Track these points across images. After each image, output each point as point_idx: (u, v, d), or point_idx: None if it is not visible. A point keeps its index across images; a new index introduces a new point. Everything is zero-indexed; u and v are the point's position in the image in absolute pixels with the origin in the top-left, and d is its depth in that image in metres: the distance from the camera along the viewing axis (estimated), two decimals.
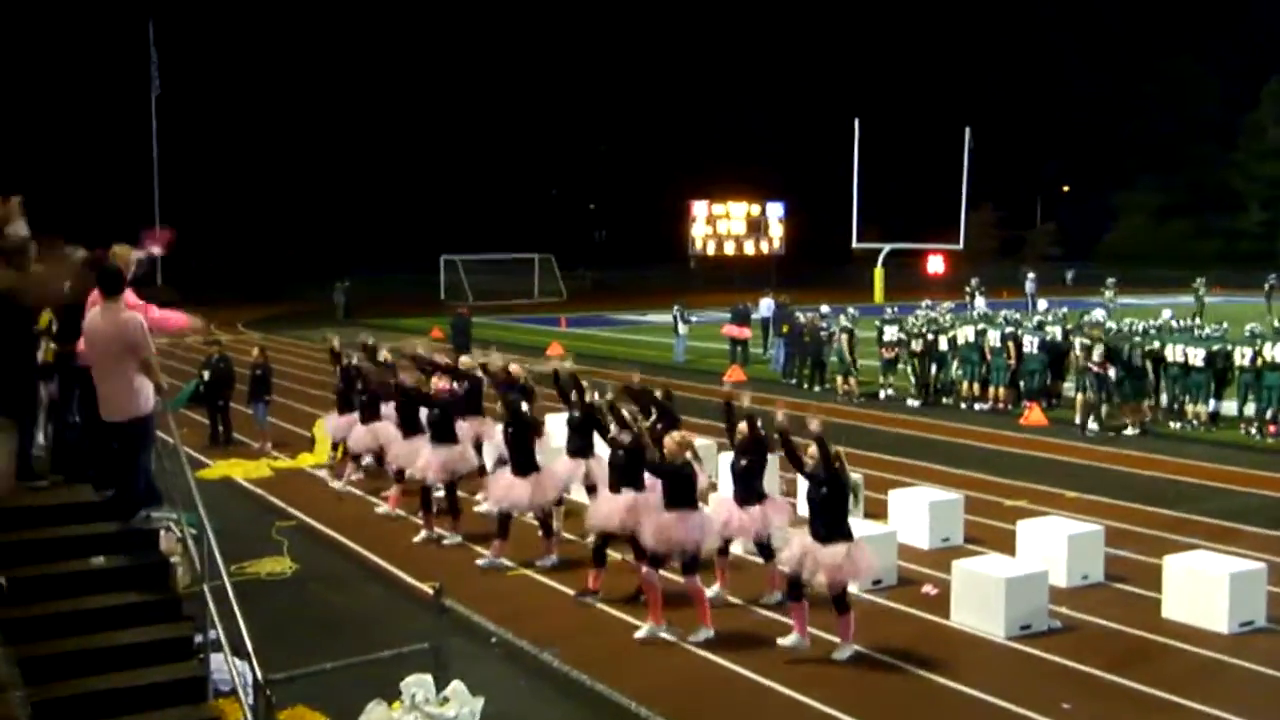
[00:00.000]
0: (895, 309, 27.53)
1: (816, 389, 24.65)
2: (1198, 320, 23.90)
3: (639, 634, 10.08)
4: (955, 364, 22.76)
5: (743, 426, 10.75)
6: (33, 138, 63.05)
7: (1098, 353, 19.54)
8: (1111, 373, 19.61)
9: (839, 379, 23.93)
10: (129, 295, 8.66)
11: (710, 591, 10.80)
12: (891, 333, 23.53)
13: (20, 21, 64.46)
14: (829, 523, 9.54)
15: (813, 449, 9.65)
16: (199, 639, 7.98)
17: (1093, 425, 19.64)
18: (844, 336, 23.45)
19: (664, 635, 10.02)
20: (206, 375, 19.13)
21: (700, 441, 13.51)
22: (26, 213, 9.73)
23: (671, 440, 10.29)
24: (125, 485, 8.51)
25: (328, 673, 7.53)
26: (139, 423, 8.45)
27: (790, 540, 9.80)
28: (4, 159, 54.37)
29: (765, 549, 10.96)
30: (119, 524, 8.42)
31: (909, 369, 23.62)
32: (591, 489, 12.61)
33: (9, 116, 60.71)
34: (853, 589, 10.30)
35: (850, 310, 25.04)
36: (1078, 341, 20.61)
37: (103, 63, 60.97)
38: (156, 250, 10.15)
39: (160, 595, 8.20)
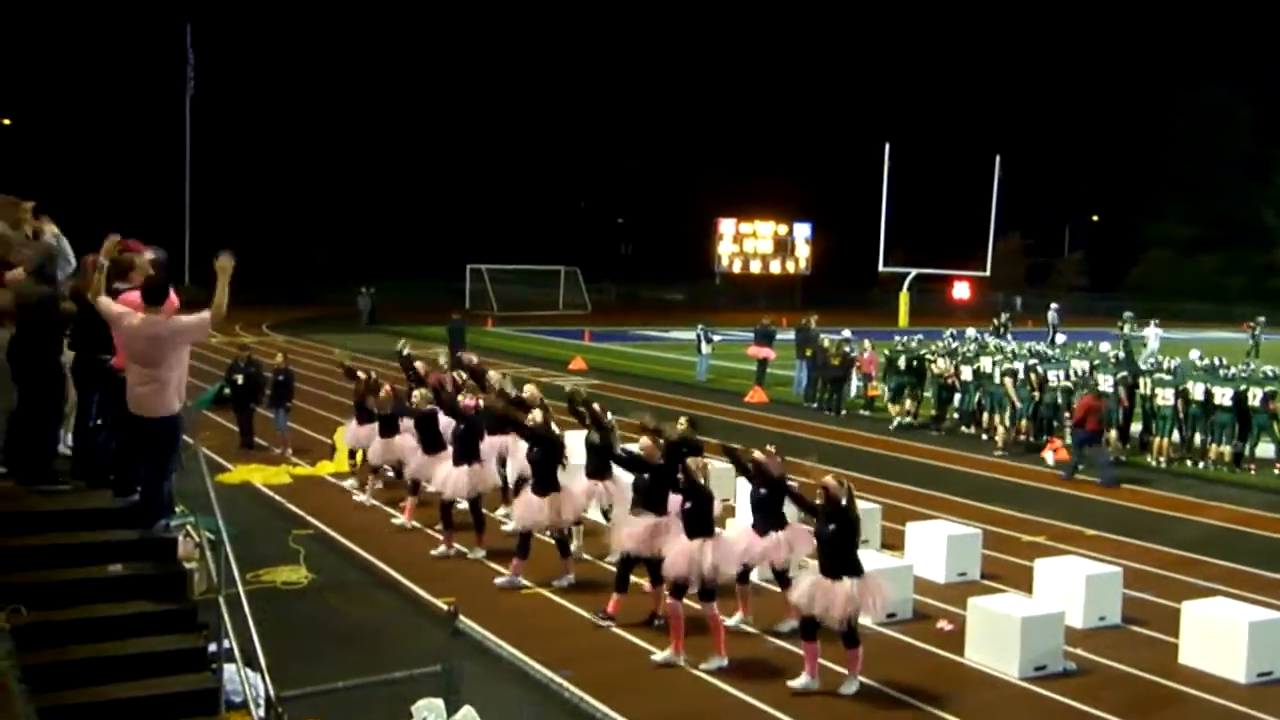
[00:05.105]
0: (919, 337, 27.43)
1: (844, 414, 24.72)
2: (1252, 360, 23.52)
3: (656, 658, 10.05)
4: (977, 394, 22.51)
5: (757, 454, 10.71)
6: (67, 135, 63.73)
7: None
8: None
9: (1001, 428, 21.21)
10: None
11: (732, 620, 10.76)
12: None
13: (59, 20, 65.13)
14: (838, 559, 9.47)
15: (824, 482, 9.62)
16: (213, 648, 8.00)
17: None
18: (1008, 380, 21.01)
19: (680, 663, 9.99)
20: (240, 380, 19.13)
21: (718, 466, 13.52)
22: (41, 217, 9.80)
23: (695, 462, 10.31)
24: (149, 492, 8.53)
25: (340, 691, 7.53)
26: (168, 423, 8.48)
27: (801, 577, 9.75)
28: (39, 158, 55.07)
29: (782, 576, 10.90)
30: (139, 532, 8.44)
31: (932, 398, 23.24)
32: (608, 511, 12.62)
33: (46, 115, 61.33)
34: (866, 621, 10.24)
35: (1012, 346, 23.90)
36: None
37: (139, 64, 61.54)
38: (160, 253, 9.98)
39: (176, 605, 8.21)
